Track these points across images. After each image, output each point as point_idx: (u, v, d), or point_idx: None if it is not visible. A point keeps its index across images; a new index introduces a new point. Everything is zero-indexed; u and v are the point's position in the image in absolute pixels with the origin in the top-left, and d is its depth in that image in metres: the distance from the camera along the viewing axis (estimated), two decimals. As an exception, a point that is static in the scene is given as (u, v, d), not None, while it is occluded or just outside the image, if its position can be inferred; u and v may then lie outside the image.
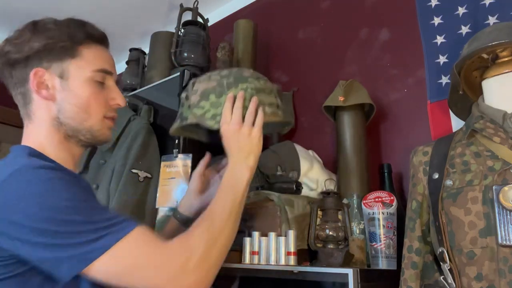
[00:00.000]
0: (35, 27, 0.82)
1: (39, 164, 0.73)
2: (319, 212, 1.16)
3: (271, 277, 1.08)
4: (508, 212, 0.79)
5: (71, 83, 0.82)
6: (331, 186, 1.27)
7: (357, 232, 1.20)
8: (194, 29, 1.75)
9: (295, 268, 1.03)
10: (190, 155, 1.36)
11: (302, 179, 1.34)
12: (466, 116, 1.07)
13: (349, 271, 0.93)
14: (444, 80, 1.31)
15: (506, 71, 0.95)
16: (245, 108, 0.95)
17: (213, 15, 2.28)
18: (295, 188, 1.25)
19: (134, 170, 1.54)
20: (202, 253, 0.75)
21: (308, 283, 1.02)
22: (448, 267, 0.86)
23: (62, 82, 0.82)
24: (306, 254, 1.18)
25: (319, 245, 1.12)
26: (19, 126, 0.86)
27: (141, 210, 1.51)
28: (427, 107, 1.33)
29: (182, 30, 1.75)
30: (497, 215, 0.80)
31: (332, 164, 1.48)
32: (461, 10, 1.32)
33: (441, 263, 0.88)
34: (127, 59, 2.05)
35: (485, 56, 1.02)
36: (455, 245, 0.86)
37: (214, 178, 1.11)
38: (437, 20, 1.37)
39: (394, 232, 1.16)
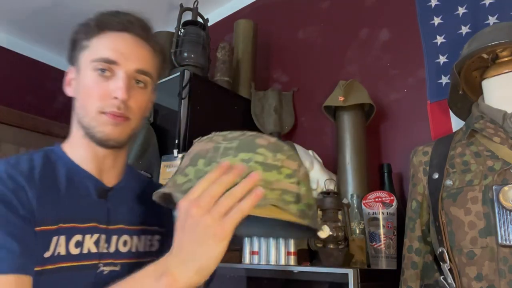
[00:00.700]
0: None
1: None
2: (319, 212, 1.16)
3: (271, 277, 1.08)
4: (508, 212, 0.79)
5: (80, 76, 0.77)
6: (331, 186, 1.27)
7: (357, 232, 1.20)
8: (194, 29, 1.75)
9: (295, 268, 1.03)
10: (190, 155, 1.36)
11: (302, 179, 1.33)
12: (466, 116, 1.07)
13: (349, 271, 0.93)
14: (444, 80, 1.31)
15: (506, 71, 0.95)
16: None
17: (213, 15, 2.28)
18: (295, 188, 1.24)
19: (134, 170, 1.54)
20: None
21: (308, 283, 1.02)
22: (448, 267, 0.86)
23: (76, 77, 0.79)
24: (306, 254, 1.18)
25: (319, 245, 1.12)
26: (19, 126, 0.85)
27: (141, 210, 1.51)
28: (427, 107, 1.34)
29: (182, 30, 1.75)
30: (497, 215, 0.80)
31: (332, 164, 1.48)
32: (461, 10, 1.32)
33: (441, 263, 0.88)
34: (127, 59, 2.05)
35: (485, 56, 1.02)
36: (455, 245, 0.86)
37: None
38: (437, 20, 1.37)
39: (394, 232, 1.16)
